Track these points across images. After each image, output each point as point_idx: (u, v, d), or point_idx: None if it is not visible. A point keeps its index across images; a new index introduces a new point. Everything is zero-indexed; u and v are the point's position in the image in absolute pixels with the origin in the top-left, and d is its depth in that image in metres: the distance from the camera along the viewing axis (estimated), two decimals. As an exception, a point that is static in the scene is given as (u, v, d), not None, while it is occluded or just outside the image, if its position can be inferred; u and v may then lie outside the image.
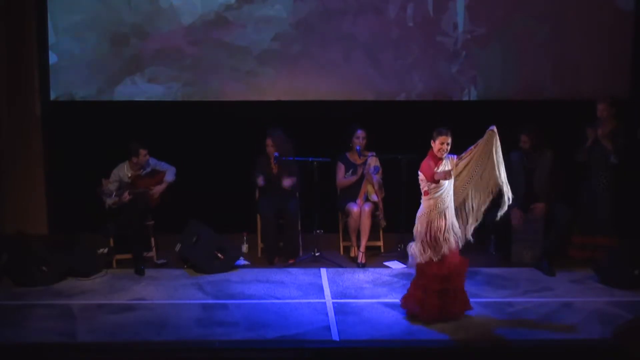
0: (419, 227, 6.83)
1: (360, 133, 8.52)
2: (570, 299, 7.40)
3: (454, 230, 6.79)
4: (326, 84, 9.09)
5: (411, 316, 6.92)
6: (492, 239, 8.53)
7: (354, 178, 8.52)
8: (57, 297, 7.42)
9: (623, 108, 8.64)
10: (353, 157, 8.61)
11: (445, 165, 6.78)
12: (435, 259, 6.76)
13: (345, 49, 9.08)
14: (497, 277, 7.90)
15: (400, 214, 8.39)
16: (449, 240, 6.75)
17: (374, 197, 8.46)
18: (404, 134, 8.90)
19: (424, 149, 8.05)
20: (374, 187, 8.47)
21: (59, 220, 9.07)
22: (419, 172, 6.83)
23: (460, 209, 6.88)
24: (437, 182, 6.68)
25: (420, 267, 6.88)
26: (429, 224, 6.76)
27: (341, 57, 9.09)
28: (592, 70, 9.16)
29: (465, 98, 9.23)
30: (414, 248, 6.86)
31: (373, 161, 8.48)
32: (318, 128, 8.86)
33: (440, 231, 6.73)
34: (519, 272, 8.08)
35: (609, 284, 7.68)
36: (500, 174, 6.72)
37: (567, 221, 8.16)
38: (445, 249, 6.74)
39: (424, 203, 6.84)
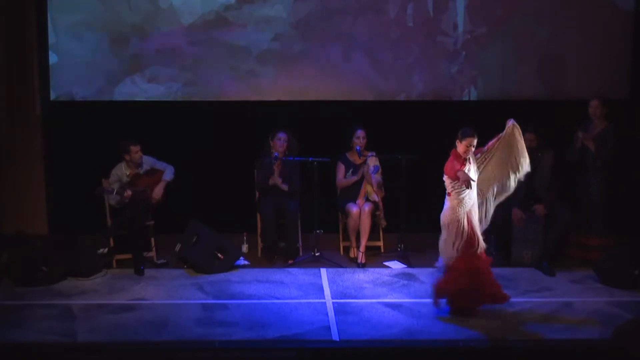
0: (442, 224, 6.92)
1: (360, 133, 8.51)
2: (570, 299, 7.40)
3: (476, 230, 6.87)
4: (326, 84, 9.09)
5: (450, 301, 7.00)
6: (492, 239, 8.51)
7: (354, 178, 8.52)
8: (57, 297, 7.42)
9: (621, 108, 8.64)
10: (353, 157, 8.61)
11: (471, 166, 6.84)
12: (457, 254, 6.85)
13: (345, 49, 9.08)
14: (497, 277, 7.82)
15: (400, 214, 8.39)
16: (471, 238, 6.83)
17: (374, 197, 8.46)
18: (404, 134, 8.91)
19: (424, 149, 8.06)
20: (373, 187, 8.47)
21: (59, 220, 9.07)
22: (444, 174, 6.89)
23: (482, 203, 6.99)
24: (458, 179, 6.74)
25: (447, 263, 6.98)
26: (451, 223, 6.83)
27: (341, 57, 9.09)
28: (591, 70, 9.15)
29: (465, 98, 9.23)
30: (441, 246, 6.97)
31: (372, 161, 8.47)
32: (318, 128, 8.86)
33: (461, 230, 6.81)
34: (519, 272, 8.08)
35: (609, 284, 7.69)
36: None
37: (567, 221, 8.16)
38: (461, 246, 6.84)
39: (448, 203, 6.90)
